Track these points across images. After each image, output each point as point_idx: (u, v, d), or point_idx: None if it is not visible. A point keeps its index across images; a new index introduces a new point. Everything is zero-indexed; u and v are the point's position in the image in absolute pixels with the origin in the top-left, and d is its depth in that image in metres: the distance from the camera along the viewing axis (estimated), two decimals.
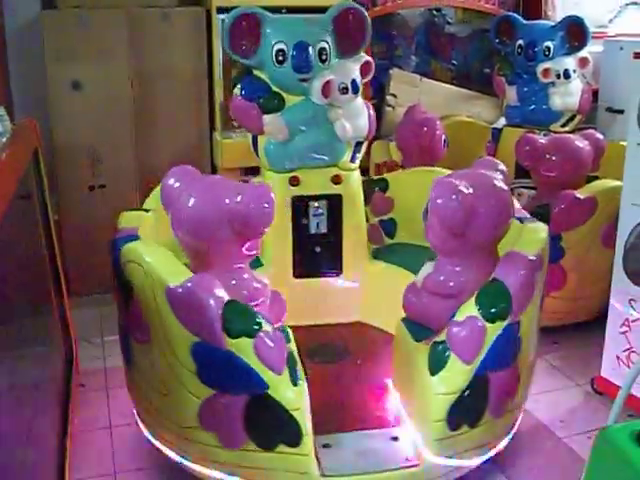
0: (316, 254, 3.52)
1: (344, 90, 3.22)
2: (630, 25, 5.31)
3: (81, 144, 4.19)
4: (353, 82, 3.26)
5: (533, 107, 4.55)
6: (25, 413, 2.32)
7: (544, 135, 4.13)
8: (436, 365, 2.44)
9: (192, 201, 2.57)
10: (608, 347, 3.28)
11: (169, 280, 2.36)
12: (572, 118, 4.50)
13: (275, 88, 3.27)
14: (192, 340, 2.32)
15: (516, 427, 2.84)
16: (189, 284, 2.33)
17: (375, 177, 4.13)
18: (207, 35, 4.34)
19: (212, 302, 2.29)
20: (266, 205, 2.55)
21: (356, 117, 3.33)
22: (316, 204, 3.47)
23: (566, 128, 4.47)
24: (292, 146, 3.30)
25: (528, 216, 3.03)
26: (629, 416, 3.15)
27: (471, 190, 2.51)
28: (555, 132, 4.35)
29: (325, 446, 2.57)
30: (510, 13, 4.79)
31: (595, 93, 4.63)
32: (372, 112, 3.47)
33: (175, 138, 4.40)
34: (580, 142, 3.80)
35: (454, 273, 2.65)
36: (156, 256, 2.53)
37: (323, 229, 3.50)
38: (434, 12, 5.28)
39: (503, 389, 2.57)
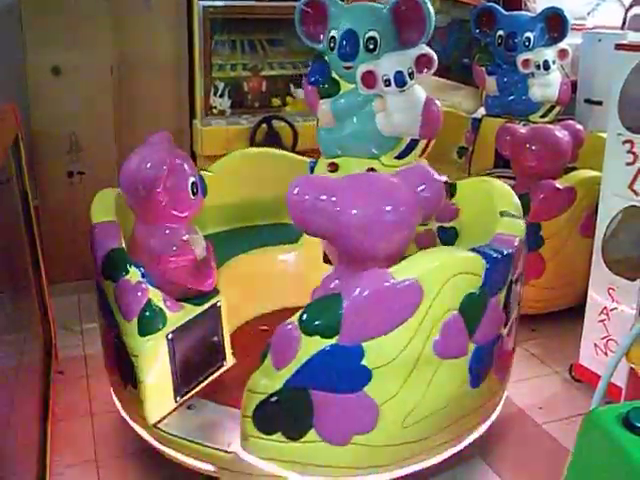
0: None
1: (387, 82, 3.05)
2: (608, 18, 5.35)
3: (61, 130, 4.14)
4: (397, 74, 3.05)
5: (513, 97, 4.58)
6: (4, 400, 2.31)
7: (524, 125, 4.16)
8: (261, 359, 2.39)
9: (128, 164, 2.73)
10: (586, 335, 3.33)
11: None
12: (551, 109, 4.53)
13: (334, 74, 3.21)
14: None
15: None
16: (94, 229, 2.84)
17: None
18: (188, 22, 4.32)
19: (99, 247, 2.74)
20: (147, 166, 2.64)
21: (401, 111, 3.13)
22: None
23: (545, 119, 4.50)
24: (337, 133, 3.22)
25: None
26: (607, 403, 3.19)
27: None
28: (534, 122, 4.38)
29: (189, 407, 2.74)
30: (490, 4, 4.81)
31: (574, 85, 4.66)
32: (435, 108, 3.20)
33: (155, 125, 4.28)
34: (560, 132, 3.83)
35: (339, 276, 2.60)
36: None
37: None
38: None
39: (335, 415, 2.37)
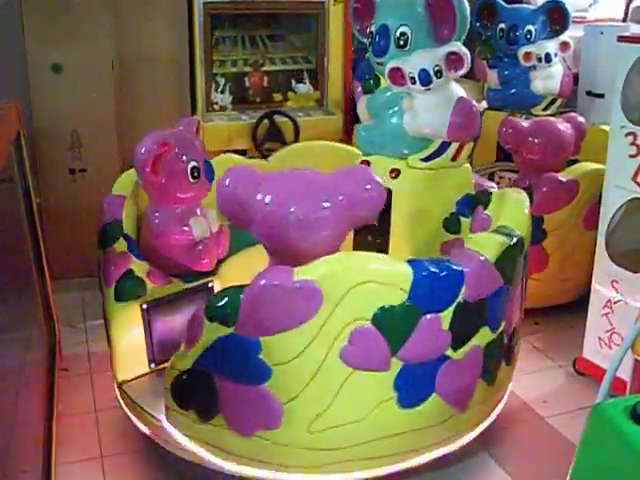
0: (368, 242, 3.26)
1: (412, 80, 2.94)
2: (609, 10, 5.34)
3: (62, 127, 4.14)
4: (422, 72, 2.92)
5: (514, 90, 4.57)
6: (8, 398, 2.31)
7: (526, 118, 4.15)
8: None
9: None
10: (590, 328, 3.32)
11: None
12: (553, 102, 4.52)
13: (376, 71, 3.19)
14: None
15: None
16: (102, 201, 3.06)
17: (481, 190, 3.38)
18: (188, 18, 4.30)
19: (100, 219, 2.97)
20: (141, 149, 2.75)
21: (427, 111, 3.00)
22: None
23: (547, 111, 4.49)
24: (370, 130, 3.18)
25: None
26: (611, 396, 3.19)
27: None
28: (536, 115, 4.37)
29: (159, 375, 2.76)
30: None
31: (575, 77, 4.65)
32: (466, 110, 3.00)
33: (157, 121, 4.27)
34: (562, 125, 3.83)
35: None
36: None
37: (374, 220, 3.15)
38: None
39: (239, 405, 2.41)
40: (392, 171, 3.08)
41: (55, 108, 4.10)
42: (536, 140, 3.80)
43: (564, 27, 4.37)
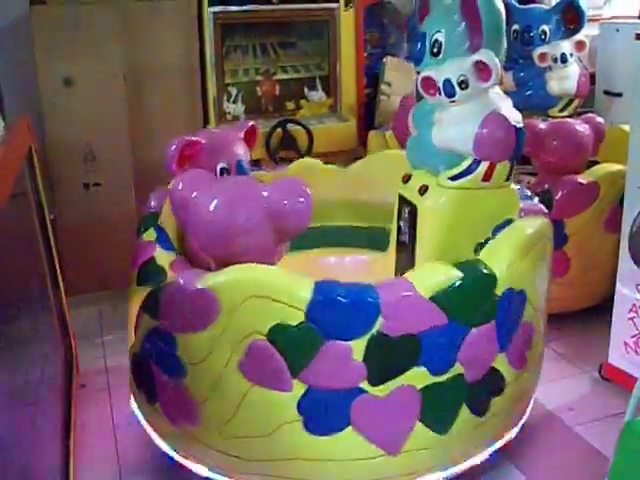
0: (399, 257, 3.10)
1: (438, 91, 2.74)
2: (624, 7, 5.27)
3: (75, 141, 4.11)
4: (445, 83, 2.71)
5: (530, 92, 4.50)
6: (26, 415, 2.29)
7: (542, 120, 4.09)
8: None
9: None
10: (615, 333, 3.25)
11: None
12: (570, 102, 4.45)
13: None
14: None
15: None
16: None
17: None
18: (199, 28, 4.28)
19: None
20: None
21: (453, 125, 2.78)
22: (407, 209, 2.98)
23: (564, 113, 4.42)
24: (411, 143, 2.98)
25: None
26: None
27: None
28: (553, 117, 4.30)
29: None
30: None
31: (592, 76, 4.59)
32: (493, 127, 2.68)
33: (170, 133, 4.24)
34: (580, 126, 3.76)
35: None
36: None
37: (404, 237, 3.03)
38: None
39: (169, 395, 2.52)
40: (421, 187, 2.88)
41: (67, 122, 4.08)
42: (554, 142, 3.73)
43: (579, 26, 4.30)
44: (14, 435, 2.06)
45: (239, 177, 2.72)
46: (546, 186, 3.68)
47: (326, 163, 3.78)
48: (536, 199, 3.04)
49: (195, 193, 2.46)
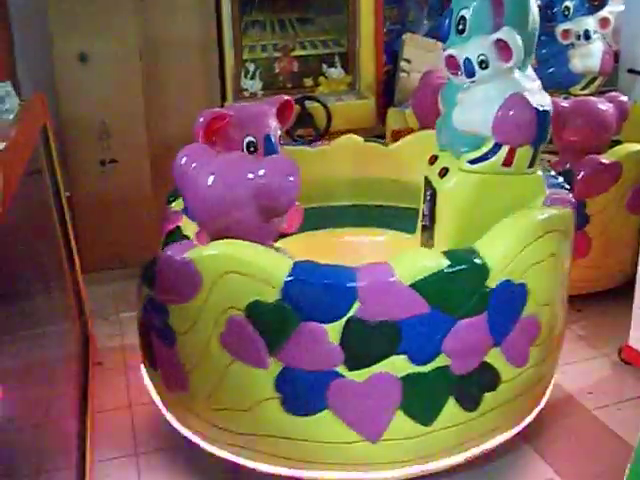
0: (422, 240, 3.04)
1: (459, 70, 2.65)
2: None
3: (90, 118, 4.07)
4: (466, 61, 2.61)
5: (552, 70, 4.44)
6: (43, 393, 2.29)
7: (564, 99, 4.01)
8: None
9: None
10: (637, 316, 3.20)
11: None
12: (593, 80, 4.39)
13: None
14: None
15: None
16: None
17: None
18: (216, 2, 4.23)
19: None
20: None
21: (473, 106, 2.68)
22: (428, 192, 2.91)
23: (587, 91, 4.35)
24: (439, 123, 2.89)
25: None
26: None
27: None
28: (575, 95, 4.23)
29: None
30: None
31: (615, 54, 4.50)
32: (513, 110, 2.57)
33: (186, 109, 4.26)
34: (604, 105, 3.67)
35: None
36: None
37: (426, 221, 2.98)
38: None
39: (164, 363, 2.62)
40: (441, 170, 2.79)
41: (82, 99, 4.04)
42: (577, 121, 3.65)
43: (604, 2, 4.22)
44: (31, 413, 2.05)
45: (234, 154, 2.65)
46: (567, 165, 3.62)
47: (366, 141, 3.79)
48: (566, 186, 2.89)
49: (191, 168, 2.48)
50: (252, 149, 2.83)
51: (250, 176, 2.41)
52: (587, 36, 4.23)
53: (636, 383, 3.15)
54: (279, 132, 3.07)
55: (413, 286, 2.25)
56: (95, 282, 3.87)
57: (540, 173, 2.77)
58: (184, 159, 2.53)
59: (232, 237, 2.41)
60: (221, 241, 2.39)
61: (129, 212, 4.18)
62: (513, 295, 2.43)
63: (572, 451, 2.79)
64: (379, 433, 2.39)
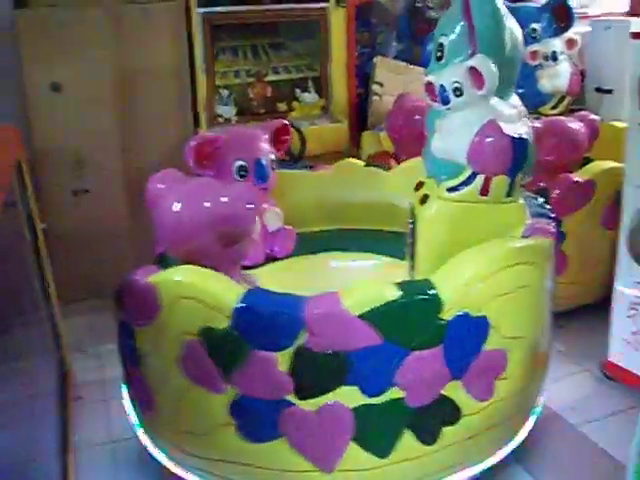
0: (409, 268, 2.96)
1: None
2: (611, 4, 5.27)
3: (63, 148, 4.04)
4: (440, 89, 2.57)
5: (522, 90, 4.44)
6: (22, 430, 2.23)
7: (535, 118, 4.06)
8: None
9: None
10: (616, 331, 3.24)
11: None
12: (562, 100, 4.43)
13: None
14: None
15: None
16: None
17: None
18: (188, 30, 4.23)
19: None
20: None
21: (448, 134, 2.63)
22: (411, 219, 2.87)
23: (556, 110, 4.40)
24: (424, 149, 2.82)
25: None
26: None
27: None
28: (546, 115, 4.28)
29: None
30: None
31: (582, 74, 4.57)
32: (488, 139, 2.51)
33: (160, 137, 4.27)
34: (575, 124, 3.74)
35: None
36: None
37: (408, 248, 2.92)
38: None
39: (133, 380, 2.69)
40: (422, 196, 2.77)
41: (55, 128, 4.01)
42: (549, 141, 3.70)
43: (570, 24, 4.27)
44: (10, 452, 2.00)
45: (202, 180, 2.73)
46: (541, 184, 3.66)
47: (367, 165, 3.83)
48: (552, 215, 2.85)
49: (159, 193, 2.57)
50: (243, 173, 2.92)
51: (207, 205, 2.48)
52: (554, 57, 4.28)
53: (619, 398, 3.18)
54: (272, 156, 3.10)
55: (362, 317, 2.21)
56: (71, 314, 3.79)
57: (521, 202, 2.73)
58: (154, 184, 2.61)
59: (197, 262, 2.45)
60: (181, 267, 2.43)
61: (104, 242, 4.13)
62: (471, 328, 2.36)
63: (562, 469, 2.80)
64: (333, 463, 2.36)
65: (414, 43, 5.21)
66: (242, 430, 2.36)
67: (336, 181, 3.75)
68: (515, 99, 2.73)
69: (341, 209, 3.73)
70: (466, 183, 2.61)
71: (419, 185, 2.84)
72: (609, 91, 4.45)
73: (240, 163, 2.93)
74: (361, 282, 2.44)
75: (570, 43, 4.34)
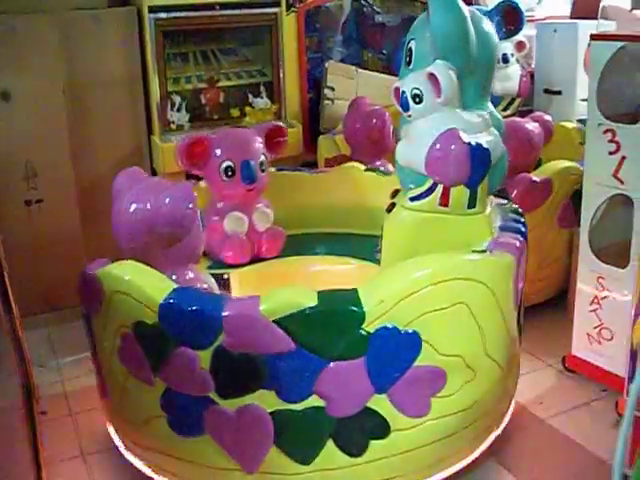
0: None
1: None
2: (555, 7, 5.42)
3: (14, 158, 3.92)
4: (402, 95, 2.55)
5: None
6: None
7: None
8: None
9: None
10: (578, 326, 3.31)
11: None
12: (512, 101, 4.56)
13: None
14: None
15: None
16: None
17: None
18: (139, 36, 4.16)
19: None
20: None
21: (410, 141, 2.61)
22: (382, 227, 2.83)
23: (507, 112, 4.51)
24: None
25: None
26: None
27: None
28: None
29: None
30: None
31: (531, 75, 4.69)
32: (443, 148, 2.47)
33: (113, 145, 4.19)
34: (530, 125, 3.83)
35: None
36: None
37: (377, 256, 2.92)
38: (362, 2, 5.23)
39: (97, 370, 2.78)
40: (390, 204, 2.74)
41: (6, 138, 3.88)
42: (507, 141, 3.75)
43: (519, 27, 4.36)
44: None
45: (152, 180, 2.83)
46: None
47: (367, 170, 3.82)
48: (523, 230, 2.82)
49: (115, 191, 2.71)
50: (230, 173, 3.00)
51: (148, 206, 2.59)
52: (505, 59, 4.40)
53: (581, 389, 3.27)
54: (263, 158, 3.11)
55: (277, 322, 2.20)
56: (27, 327, 3.66)
57: (487, 213, 2.68)
58: (117, 182, 2.75)
59: (144, 260, 2.54)
60: (123, 262, 2.53)
61: (58, 252, 4.02)
62: (400, 342, 2.28)
63: (536, 461, 2.85)
64: (256, 465, 2.37)
65: (361, 47, 5.27)
66: (172, 424, 2.42)
67: (334, 184, 3.81)
68: (489, 107, 2.70)
69: (341, 212, 3.77)
70: (427, 193, 2.59)
71: (394, 193, 2.83)
72: (558, 92, 4.58)
73: (227, 164, 3.06)
74: (284, 288, 2.35)
75: (520, 45, 4.47)
